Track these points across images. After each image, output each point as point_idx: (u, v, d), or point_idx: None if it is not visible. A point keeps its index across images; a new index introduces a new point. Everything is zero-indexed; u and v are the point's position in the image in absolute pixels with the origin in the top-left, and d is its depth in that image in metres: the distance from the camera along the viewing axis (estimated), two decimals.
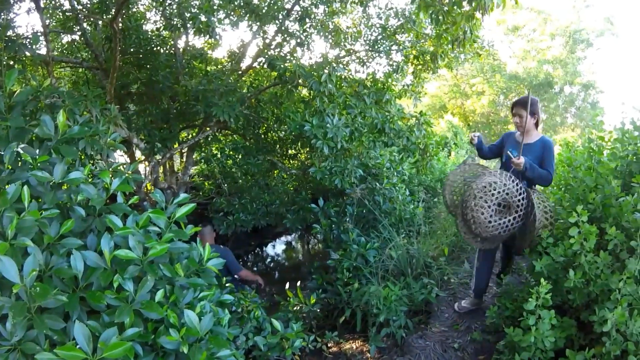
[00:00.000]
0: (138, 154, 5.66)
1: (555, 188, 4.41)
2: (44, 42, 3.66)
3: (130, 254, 1.67)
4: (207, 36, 3.48)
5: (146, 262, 1.70)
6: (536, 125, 3.17)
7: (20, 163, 1.95)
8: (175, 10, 3.66)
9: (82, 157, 2.53)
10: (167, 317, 1.75)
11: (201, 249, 2.07)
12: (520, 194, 2.95)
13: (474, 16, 2.72)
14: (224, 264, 4.13)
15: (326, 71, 3.62)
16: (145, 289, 1.72)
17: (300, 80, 3.74)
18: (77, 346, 1.41)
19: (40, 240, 1.68)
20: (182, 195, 2.12)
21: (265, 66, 4.32)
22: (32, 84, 2.50)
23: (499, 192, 2.96)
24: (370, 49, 5.33)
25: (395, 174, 5.36)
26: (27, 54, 3.52)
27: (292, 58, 4.36)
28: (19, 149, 1.94)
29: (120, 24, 4.43)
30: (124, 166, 2.68)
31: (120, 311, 1.61)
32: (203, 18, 3.26)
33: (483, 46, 6.21)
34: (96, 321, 1.62)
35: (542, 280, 2.31)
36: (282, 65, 3.73)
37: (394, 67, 5.16)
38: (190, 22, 3.01)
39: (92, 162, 2.58)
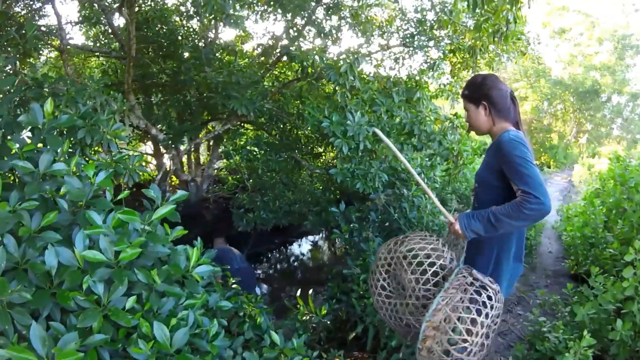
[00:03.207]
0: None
1: (601, 207, 3.91)
2: (61, 32, 3.66)
3: (99, 256, 1.51)
4: (222, 24, 3.33)
5: (117, 267, 1.54)
6: (494, 119, 1.92)
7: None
8: None
9: (83, 146, 2.44)
10: (140, 325, 1.60)
11: (189, 253, 1.90)
12: (423, 278, 1.85)
13: (518, 0, 2.33)
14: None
15: (348, 62, 3.32)
16: (117, 294, 1.58)
17: (322, 73, 3.50)
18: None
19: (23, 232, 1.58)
20: (179, 193, 1.97)
21: (284, 58, 4.11)
22: (43, 71, 2.45)
23: (387, 260, 2.00)
24: (406, 43, 5.01)
25: (425, 180, 5.02)
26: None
27: (318, 52, 4.11)
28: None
29: (146, 14, 4.39)
30: (130, 157, 2.59)
31: (85, 315, 1.47)
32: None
33: (528, 44, 5.69)
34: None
35: (584, 333, 1.91)
36: (297, 54, 3.49)
37: (430, 64, 4.81)
38: (203, 8, 2.87)
39: (93, 152, 2.49)
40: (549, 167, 19.07)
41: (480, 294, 1.73)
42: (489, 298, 1.73)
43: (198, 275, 1.84)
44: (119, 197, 1.92)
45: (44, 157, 1.80)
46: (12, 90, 2.14)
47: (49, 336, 1.46)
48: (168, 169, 5.36)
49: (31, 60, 4.02)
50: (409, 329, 1.98)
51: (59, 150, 1.92)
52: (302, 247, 8.38)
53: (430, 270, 1.85)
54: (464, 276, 1.82)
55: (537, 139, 19.78)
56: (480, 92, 1.93)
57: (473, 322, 1.69)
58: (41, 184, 1.80)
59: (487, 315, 1.70)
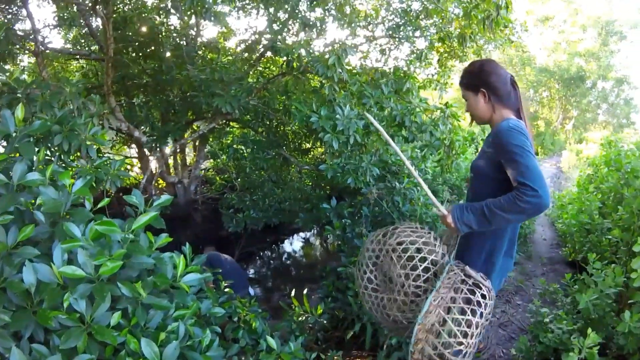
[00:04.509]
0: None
1: (596, 193, 3.88)
2: (35, 36, 3.50)
3: (78, 272, 1.41)
4: (203, 18, 3.20)
5: (98, 281, 1.45)
6: (495, 106, 1.82)
7: None
8: None
9: (61, 153, 2.32)
10: (127, 342, 1.51)
11: (176, 261, 1.81)
12: (414, 274, 1.72)
13: None
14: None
15: (335, 54, 3.19)
16: (100, 310, 1.48)
17: (308, 67, 3.39)
18: None
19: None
20: (163, 197, 1.87)
21: (269, 52, 3.98)
22: (14, 75, 2.31)
23: (375, 252, 1.91)
24: (393, 34, 4.91)
25: (417, 172, 4.95)
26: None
27: (304, 44, 3.98)
28: None
29: (124, 13, 4.23)
30: (111, 162, 2.47)
31: (68, 335, 1.38)
32: None
33: (515, 31, 5.64)
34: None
35: (589, 331, 1.84)
36: (283, 47, 3.36)
37: (417, 54, 4.72)
38: (182, 2, 2.75)
39: (74, 158, 2.37)
40: (537, 154, 19.28)
41: (474, 293, 1.64)
42: (483, 297, 1.65)
43: (187, 284, 1.74)
44: (99, 205, 1.82)
45: (17, 166, 1.70)
46: None
47: (31, 358, 1.38)
48: (154, 172, 5.22)
49: (8, 65, 3.87)
50: (395, 324, 1.89)
51: (34, 159, 1.81)
52: (294, 245, 8.29)
53: (421, 265, 1.73)
54: (456, 273, 1.72)
55: None
56: (478, 78, 1.82)
57: (468, 323, 1.59)
58: (16, 196, 1.69)
59: (481, 315, 1.61)
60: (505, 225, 1.72)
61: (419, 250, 1.77)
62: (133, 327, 1.58)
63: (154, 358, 1.45)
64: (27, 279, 1.43)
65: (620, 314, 1.95)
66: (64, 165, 2.30)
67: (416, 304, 1.75)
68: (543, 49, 20.64)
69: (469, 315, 1.59)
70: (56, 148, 2.27)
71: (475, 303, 1.61)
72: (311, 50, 3.62)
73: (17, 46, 3.49)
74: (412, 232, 1.84)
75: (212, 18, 2.92)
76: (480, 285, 1.68)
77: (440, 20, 4.42)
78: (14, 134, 1.85)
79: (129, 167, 7.11)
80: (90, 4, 3.36)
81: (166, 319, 1.75)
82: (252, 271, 7.12)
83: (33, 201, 1.69)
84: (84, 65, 6.04)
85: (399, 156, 1.83)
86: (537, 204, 1.50)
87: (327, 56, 3.25)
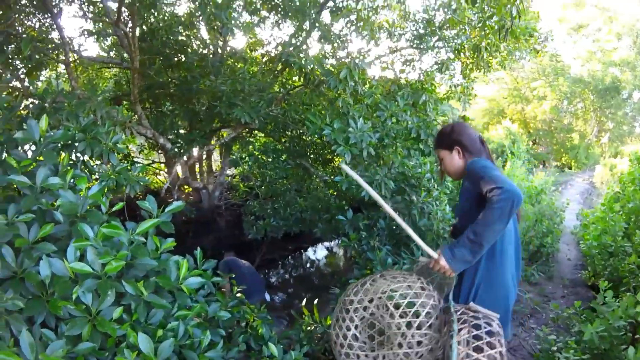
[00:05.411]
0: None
1: (621, 213, 3.70)
2: (64, 47, 3.73)
3: (86, 268, 1.55)
4: (220, 34, 3.35)
5: (104, 278, 1.57)
6: (465, 156, 2.00)
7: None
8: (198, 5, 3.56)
9: (84, 160, 2.49)
10: (128, 335, 1.62)
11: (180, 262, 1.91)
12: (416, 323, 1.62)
13: None
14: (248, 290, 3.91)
15: (347, 67, 3.23)
16: (105, 304, 1.61)
17: (322, 80, 3.45)
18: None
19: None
20: (175, 204, 1.98)
21: (282, 63, 4.07)
22: (43, 86, 2.50)
23: (362, 304, 1.78)
24: (414, 45, 4.91)
25: (436, 186, 4.89)
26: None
27: (316, 58, 4.02)
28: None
29: (151, 25, 4.43)
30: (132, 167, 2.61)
31: (72, 324, 1.53)
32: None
33: (541, 41, 5.50)
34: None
35: None
36: (295, 61, 3.44)
37: (440, 64, 4.69)
38: (202, 16, 2.89)
39: (99, 163, 2.53)
40: (570, 168, 18.45)
41: (491, 325, 1.60)
42: (499, 325, 1.62)
43: (189, 287, 1.84)
44: (113, 209, 1.95)
45: (40, 171, 1.86)
46: (12, 107, 2.22)
47: (41, 342, 1.51)
48: (179, 177, 5.41)
49: (44, 74, 4.13)
50: None
51: (59, 164, 1.98)
52: (315, 254, 8.33)
53: (423, 311, 1.65)
54: (463, 312, 1.68)
55: (558, 139, 19.23)
56: (451, 138, 2.03)
57: (501, 355, 1.53)
58: (38, 197, 1.85)
59: (502, 345, 1.56)
60: (495, 237, 1.67)
61: (416, 296, 1.70)
62: (135, 323, 1.69)
63: (149, 352, 1.55)
64: (43, 272, 1.57)
65: (627, 348, 1.84)
66: (87, 170, 2.47)
67: (420, 355, 1.65)
68: (577, 58, 19.80)
69: (499, 347, 1.52)
70: (81, 154, 2.44)
71: (497, 333, 1.57)
72: (324, 64, 3.68)
73: (48, 57, 3.74)
74: (403, 279, 1.78)
75: (229, 31, 3.05)
76: (490, 317, 1.65)
77: (462, 31, 4.40)
78: (40, 141, 2.01)
79: (157, 171, 7.41)
80: (115, 19, 3.57)
81: (168, 317, 1.85)
82: (272, 279, 7.20)
83: (54, 203, 1.84)
84: (117, 73, 6.39)
85: (381, 204, 1.91)
86: (507, 198, 1.58)
87: (342, 69, 3.30)
